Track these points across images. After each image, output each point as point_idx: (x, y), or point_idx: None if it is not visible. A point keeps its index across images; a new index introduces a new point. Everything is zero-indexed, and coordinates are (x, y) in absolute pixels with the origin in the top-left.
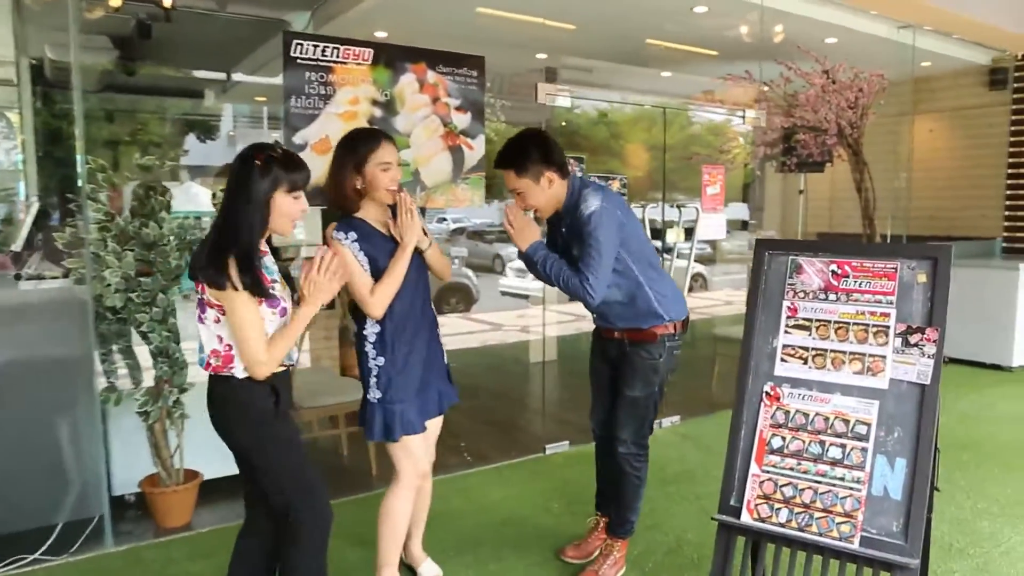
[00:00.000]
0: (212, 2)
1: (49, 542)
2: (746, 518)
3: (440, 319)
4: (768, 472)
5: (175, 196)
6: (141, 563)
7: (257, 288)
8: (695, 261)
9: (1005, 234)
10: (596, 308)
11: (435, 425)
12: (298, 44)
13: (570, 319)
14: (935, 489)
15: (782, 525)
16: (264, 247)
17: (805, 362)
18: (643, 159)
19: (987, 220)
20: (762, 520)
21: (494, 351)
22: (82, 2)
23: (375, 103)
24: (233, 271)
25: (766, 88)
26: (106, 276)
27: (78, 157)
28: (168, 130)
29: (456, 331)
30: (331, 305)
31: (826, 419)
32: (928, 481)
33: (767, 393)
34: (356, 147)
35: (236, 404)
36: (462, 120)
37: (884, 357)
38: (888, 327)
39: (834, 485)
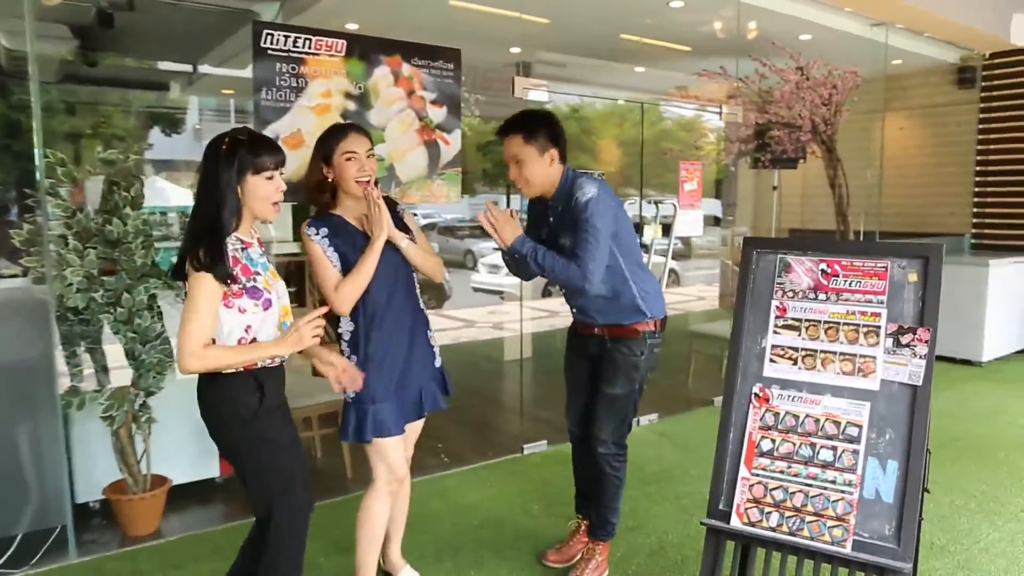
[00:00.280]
0: None
1: (8, 554)
2: (736, 522)
3: None
4: (758, 475)
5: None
6: (106, 574)
7: (219, 270)
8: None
9: (973, 231)
10: (578, 302)
11: (415, 427)
12: (268, 34)
13: (544, 315)
14: (925, 491)
15: (773, 529)
16: (249, 239)
17: (795, 363)
18: (615, 155)
19: (955, 217)
20: (752, 524)
21: (468, 348)
22: None
23: (348, 96)
24: (196, 258)
25: (741, 84)
26: (67, 275)
27: (36, 151)
28: (132, 123)
29: None
30: (300, 302)
31: (816, 421)
32: (920, 484)
33: (756, 394)
34: (326, 139)
35: (220, 399)
36: (438, 114)
37: (875, 358)
38: (879, 327)
39: (825, 488)
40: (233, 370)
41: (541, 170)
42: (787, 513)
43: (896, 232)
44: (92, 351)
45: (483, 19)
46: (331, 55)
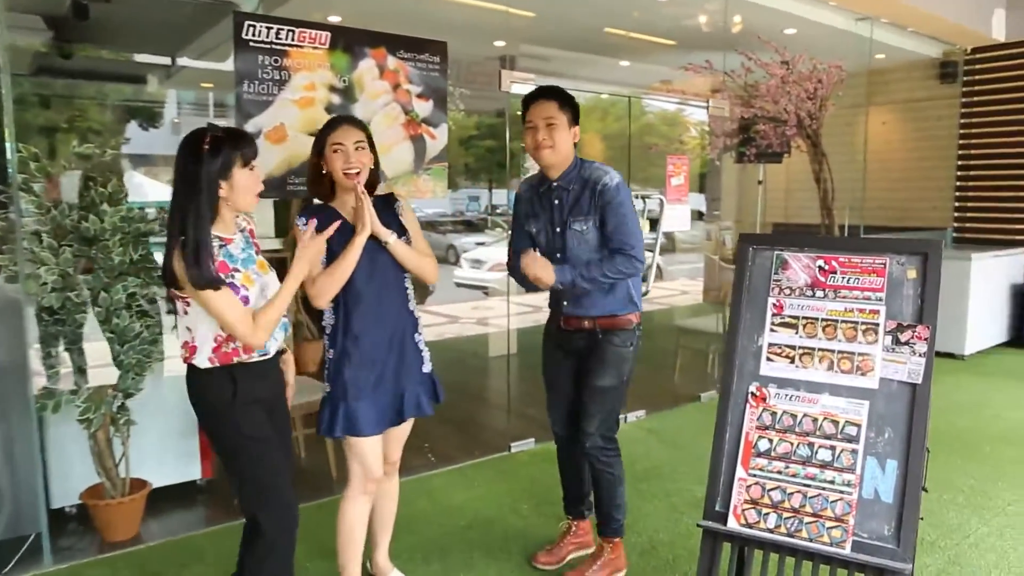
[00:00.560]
0: None
1: None
2: (733, 524)
3: None
4: (755, 476)
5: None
6: None
7: (203, 281)
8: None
9: (955, 224)
10: (575, 296)
11: (401, 430)
12: (250, 26)
13: (529, 311)
14: (923, 490)
15: (770, 531)
16: (229, 235)
17: (792, 361)
18: (598, 148)
19: (937, 211)
20: (749, 526)
21: (452, 345)
22: None
23: (333, 89)
24: (179, 267)
25: (727, 78)
26: (41, 274)
27: (8, 144)
28: (108, 117)
29: None
30: None
31: (814, 420)
32: (920, 483)
33: (753, 394)
34: (320, 132)
35: (197, 392)
36: (424, 108)
37: (874, 356)
38: (878, 325)
39: (824, 488)
40: (207, 365)
41: (566, 142)
42: (785, 514)
43: (879, 226)
44: (70, 351)
45: (467, 12)
46: (315, 47)
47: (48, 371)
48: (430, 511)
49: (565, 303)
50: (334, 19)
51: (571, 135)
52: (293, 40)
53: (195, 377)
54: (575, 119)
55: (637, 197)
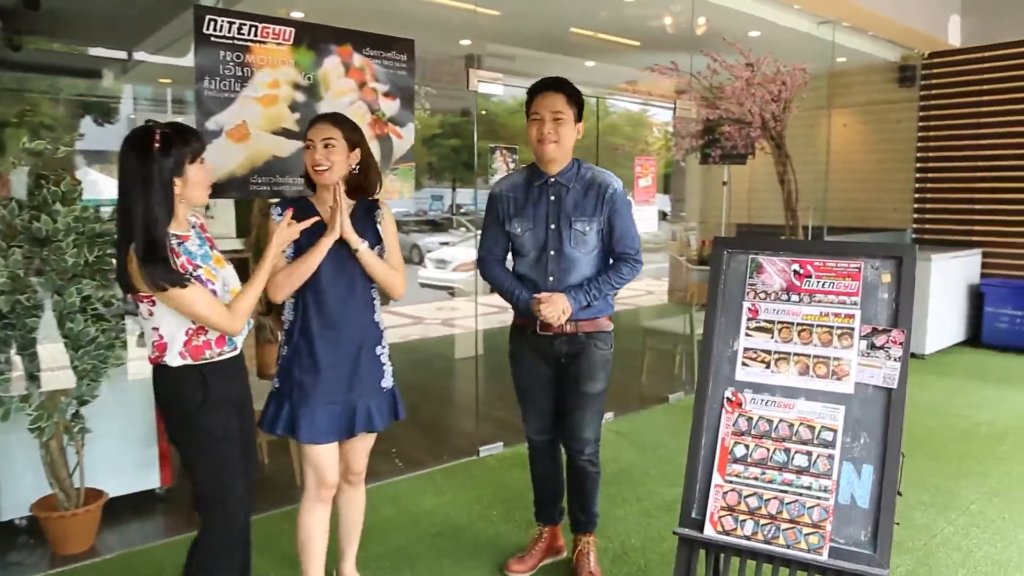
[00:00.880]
0: None
1: None
2: (709, 531)
3: None
4: (731, 482)
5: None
6: None
7: (168, 280)
8: None
9: (914, 226)
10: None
11: (363, 440)
12: (211, 20)
13: (494, 311)
14: (898, 494)
15: (748, 538)
16: (185, 232)
17: (767, 366)
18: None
19: (897, 212)
20: (726, 533)
21: (417, 346)
22: None
23: (297, 87)
24: (141, 270)
25: (692, 80)
26: None
27: None
28: (61, 112)
29: None
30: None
31: (791, 425)
32: (895, 488)
33: (728, 399)
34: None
35: (168, 391)
36: (390, 107)
37: (849, 360)
38: (853, 329)
39: (801, 494)
40: (180, 362)
41: (572, 136)
42: (762, 521)
43: (841, 227)
44: (21, 356)
45: (432, 9)
46: (278, 43)
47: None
48: (398, 518)
49: None
50: (297, 15)
51: (575, 131)
52: (256, 36)
53: (165, 377)
54: (581, 114)
55: None
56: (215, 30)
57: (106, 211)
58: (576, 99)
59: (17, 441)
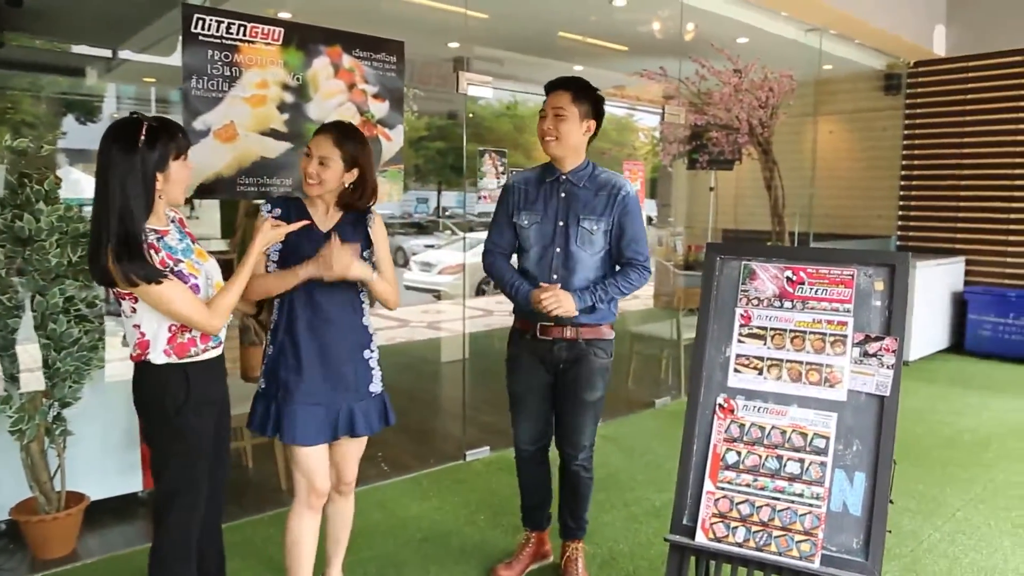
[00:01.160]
0: None
1: None
2: (701, 538)
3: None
4: (723, 489)
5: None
6: None
7: (143, 275)
8: None
9: (899, 233)
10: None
11: (353, 447)
12: (199, 19)
13: (479, 314)
14: (889, 501)
15: (739, 545)
16: (164, 227)
17: (760, 372)
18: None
19: (882, 219)
20: (718, 540)
21: (403, 349)
22: None
23: (286, 87)
24: (114, 265)
25: (680, 85)
26: None
27: None
28: (43, 110)
29: None
30: None
31: (783, 432)
32: (888, 496)
33: (720, 405)
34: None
35: (149, 390)
36: (380, 109)
37: (842, 368)
38: (846, 336)
39: (793, 502)
40: (164, 360)
41: (574, 135)
42: (754, 528)
43: (825, 234)
44: (1, 358)
45: (421, 12)
46: (267, 43)
47: None
48: (384, 523)
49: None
50: (284, 15)
51: (582, 128)
52: (245, 35)
53: (147, 376)
54: (592, 113)
55: None
56: (203, 29)
57: (89, 210)
58: (585, 97)
59: None
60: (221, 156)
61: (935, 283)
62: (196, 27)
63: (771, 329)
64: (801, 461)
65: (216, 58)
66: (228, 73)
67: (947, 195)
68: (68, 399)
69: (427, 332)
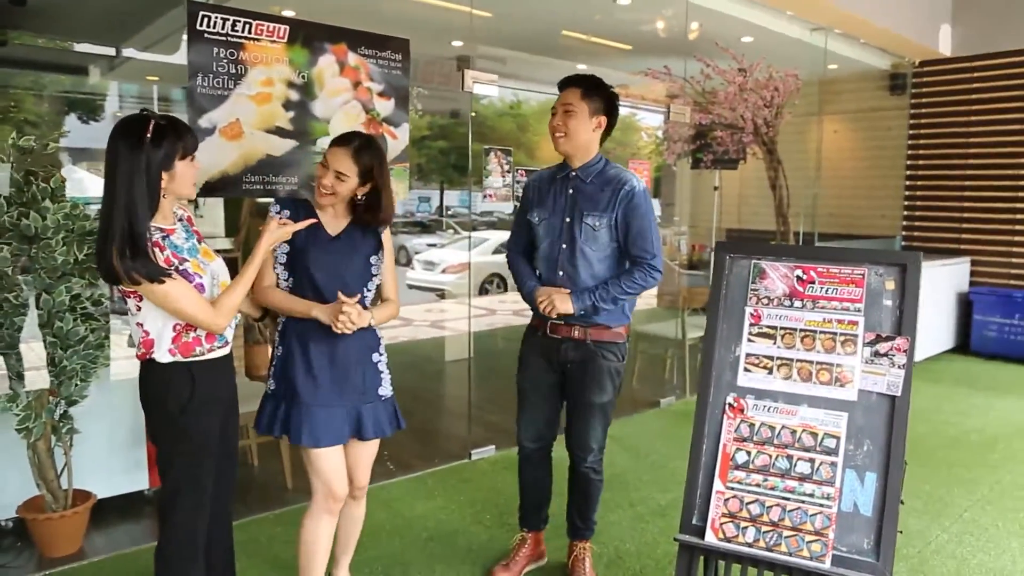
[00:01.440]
0: None
1: None
2: (711, 538)
3: None
4: (733, 489)
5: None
6: None
7: (146, 273)
8: None
9: (904, 233)
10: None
11: (367, 452)
12: (205, 16)
13: (483, 313)
14: (900, 502)
15: (749, 545)
16: (171, 225)
17: (770, 372)
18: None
19: (886, 219)
20: (728, 540)
21: (406, 348)
22: None
23: (291, 85)
24: (117, 262)
25: (685, 84)
26: None
27: None
28: (46, 108)
29: None
30: None
31: (793, 432)
32: (899, 496)
33: (730, 405)
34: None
35: (154, 388)
36: (385, 107)
37: (852, 367)
38: (856, 336)
39: (803, 502)
40: (169, 359)
41: (584, 131)
42: (764, 528)
43: (830, 234)
44: (7, 356)
45: (425, 11)
46: (273, 41)
47: None
48: (390, 522)
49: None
50: (288, 13)
51: (591, 124)
52: (250, 33)
53: (152, 374)
54: (604, 109)
55: None
56: (208, 26)
57: (95, 208)
58: (595, 93)
59: (4, 442)
60: (227, 154)
61: (940, 283)
62: (202, 24)
63: (781, 328)
64: (811, 461)
65: (221, 56)
66: (233, 71)
67: (952, 195)
68: (75, 397)
69: (431, 331)
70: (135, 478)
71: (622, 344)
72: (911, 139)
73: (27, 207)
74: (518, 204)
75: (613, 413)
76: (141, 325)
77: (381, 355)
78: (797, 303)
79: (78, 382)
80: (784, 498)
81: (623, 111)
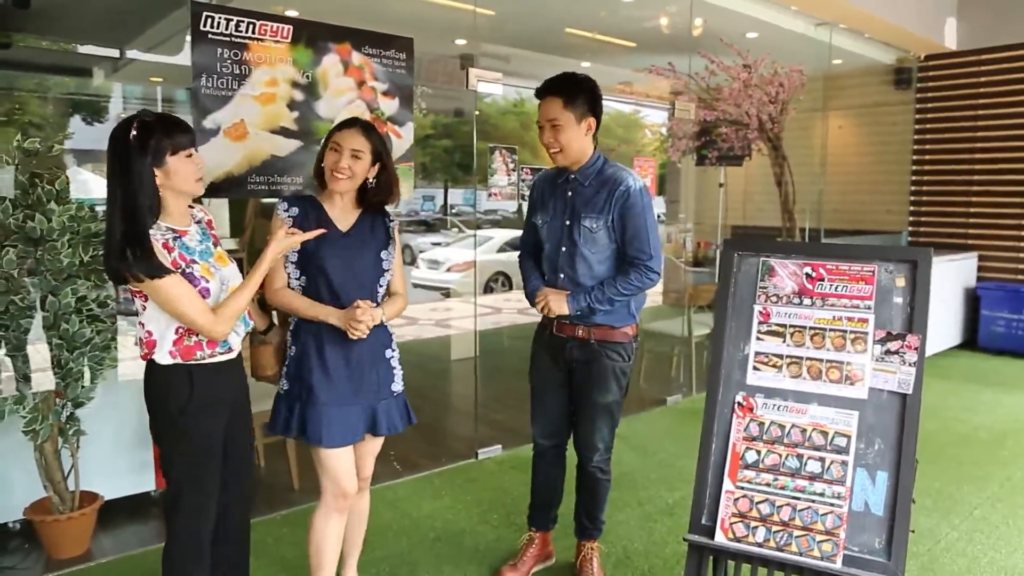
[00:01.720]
0: None
1: None
2: (720, 538)
3: None
4: (743, 488)
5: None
6: None
7: (144, 269)
8: None
9: (910, 228)
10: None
11: (372, 444)
12: (208, 16)
13: (488, 312)
14: (911, 501)
15: (760, 545)
16: (184, 227)
17: (779, 370)
18: None
19: (892, 215)
20: (738, 540)
21: (412, 347)
22: None
23: (295, 85)
24: (119, 262)
25: (690, 81)
26: None
27: None
28: (50, 110)
29: None
30: None
31: (803, 431)
32: (910, 495)
33: (739, 403)
34: (330, 130)
35: (156, 388)
36: (389, 106)
37: (863, 365)
38: (866, 333)
39: (814, 501)
40: (169, 361)
41: (576, 139)
42: (774, 528)
43: (836, 230)
44: (14, 358)
45: (429, 9)
46: (276, 41)
47: None
48: (397, 522)
49: None
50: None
51: (582, 129)
52: (254, 33)
53: (153, 375)
54: (589, 110)
55: None
56: (212, 27)
57: (100, 210)
58: (577, 98)
59: (11, 444)
60: (231, 155)
61: (948, 279)
62: (205, 25)
63: (790, 326)
64: (822, 460)
65: (225, 56)
66: (237, 71)
67: (959, 190)
68: (81, 399)
69: (436, 330)
70: (142, 479)
71: (628, 344)
72: (917, 134)
73: (32, 209)
74: (525, 203)
75: (620, 413)
76: (144, 325)
77: (393, 351)
78: (806, 301)
79: (84, 384)
80: (795, 497)
81: (627, 108)
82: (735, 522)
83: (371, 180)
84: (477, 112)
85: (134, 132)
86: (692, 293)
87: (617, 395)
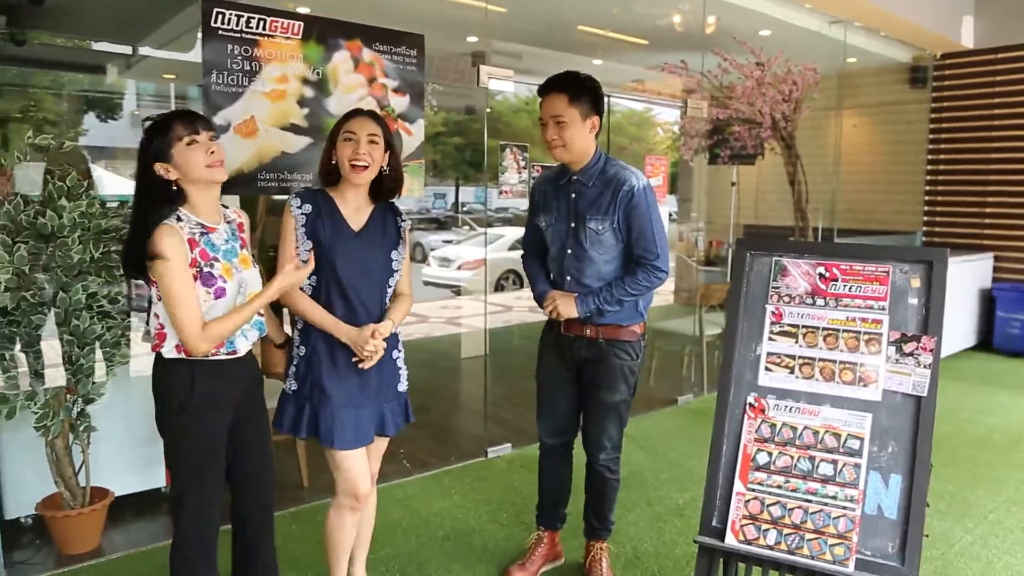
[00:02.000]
0: None
1: None
2: (731, 540)
3: None
4: (754, 490)
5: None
6: None
7: (147, 251)
8: None
9: (924, 228)
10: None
11: (380, 442)
12: (219, 13)
13: (499, 310)
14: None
15: (771, 547)
16: (213, 224)
17: (791, 371)
18: None
19: (906, 215)
20: (748, 542)
21: (422, 345)
22: None
23: (306, 82)
24: (131, 250)
25: (702, 79)
26: None
27: None
28: (64, 107)
29: None
30: None
31: (815, 433)
32: (924, 499)
33: (751, 405)
34: (339, 120)
35: (160, 383)
36: (400, 103)
37: (877, 367)
38: (880, 335)
39: (826, 504)
40: (174, 355)
41: (581, 136)
42: (786, 530)
43: (849, 229)
44: (26, 354)
45: (437, 5)
46: (287, 37)
47: (3, 375)
48: (406, 520)
49: None
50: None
51: (587, 127)
52: (264, 29)
53: (159, 367)
54: (593, 108)
55: None
56: (223, 23)
57: (112, 207)
58: (583, 96)
59: (22, 439)
60: (242, 151)
61: (962, 280)
62: (216, 21)
63: (803, 327)
64: (834, 462)
65: (236, 53)
66: (248, 68)
67: (974, 190)
68: (92, 395)
69: (447, 328)
70: (152, 475)
71: (636, 343)
72: (932, 133)
73: (43, 205)
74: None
75: (629, 412)
76: (158, 316)
77: (400, 352)
78: (820, 301)
79: (95, 380)
80: (806, 500)
81: (639, 106)
82: (746, 524)
83: (386, 168)
84: (488, 109)
85: (143, 135)
86: (704, 292)
87: (626, 394)
